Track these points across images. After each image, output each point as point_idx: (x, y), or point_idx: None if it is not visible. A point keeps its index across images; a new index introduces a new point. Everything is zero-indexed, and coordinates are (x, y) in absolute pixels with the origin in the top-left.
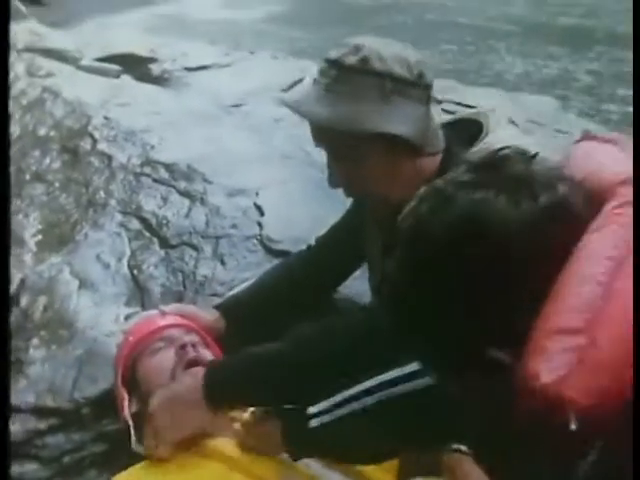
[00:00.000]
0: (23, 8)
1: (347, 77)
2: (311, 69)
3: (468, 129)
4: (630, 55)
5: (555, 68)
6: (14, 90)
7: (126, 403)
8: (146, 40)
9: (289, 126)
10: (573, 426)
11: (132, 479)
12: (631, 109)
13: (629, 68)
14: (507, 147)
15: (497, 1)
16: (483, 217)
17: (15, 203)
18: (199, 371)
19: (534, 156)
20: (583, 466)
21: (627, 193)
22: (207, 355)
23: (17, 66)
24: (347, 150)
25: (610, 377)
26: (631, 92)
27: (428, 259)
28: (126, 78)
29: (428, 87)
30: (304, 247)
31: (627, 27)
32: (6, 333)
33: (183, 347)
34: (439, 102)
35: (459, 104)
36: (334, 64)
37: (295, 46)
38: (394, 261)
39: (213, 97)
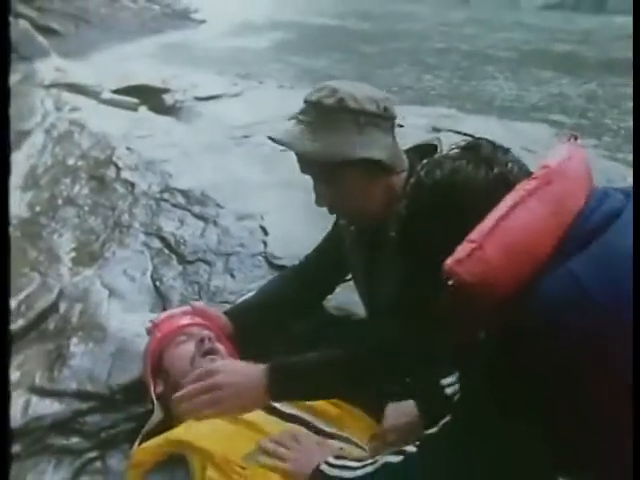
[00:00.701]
0: (46, 44)
1: (326, 115)
2: None
3: (426, 151)
4: (623, 80)
5: (548, 92)
6: (46, 124)
7: (152, 384)
8: (157, 70)
9: (293, 156)
10: (450, 282)
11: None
12: (624, 132)
13: (623, 92)
14: (484, 138)
15: (493, 28)
16: (458, 178)
17: (50, 225)
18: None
19: (506, 149)
20: (476, 341)
21: (539, 174)
22: (220, 348)
23: (46, 102)
24: (330, 175)
25: (489, 270)
26: (624, 118)
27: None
28: (142, 109)
29: (393, 118)
30: (294, 258)
31: (620, 53)
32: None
33: (201, 340)
34: (438, 130)
35: (458, 132)
36: (314, 105)
37: (299, 73)
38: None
39: (224, 127)
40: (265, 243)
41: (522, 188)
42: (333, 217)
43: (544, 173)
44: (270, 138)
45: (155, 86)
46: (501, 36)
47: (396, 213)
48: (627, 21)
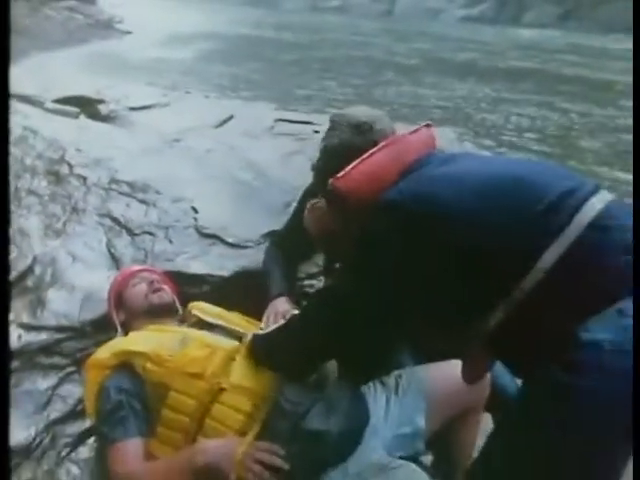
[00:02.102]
0: None
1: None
2: (238, 107)
3: None
4: (511, 85)
5: (444, 96)
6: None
7: (115, 315)
8: (90, 81)
9: (217, 156)
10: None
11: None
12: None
13: (520, 97)
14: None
15: (401, 37)
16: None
17: (17, 212)
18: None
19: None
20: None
21: (389, 139)
22: (165, 287)
23: None
24: None
25: (355, 185)
26: (518, 118)
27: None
28: (82, 117)
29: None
30: (225, 232)
31: (511, 62)
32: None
33: (151, 282)
34: None
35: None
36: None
37: (223, 82)
38: None
39: (157, 133)
40: (195, 219)
41: (378, 146)
42: (249, 201)
43: (390, 139)
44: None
45: (91, 97)
46: (411, 46)
47: None
48: (536, 33)
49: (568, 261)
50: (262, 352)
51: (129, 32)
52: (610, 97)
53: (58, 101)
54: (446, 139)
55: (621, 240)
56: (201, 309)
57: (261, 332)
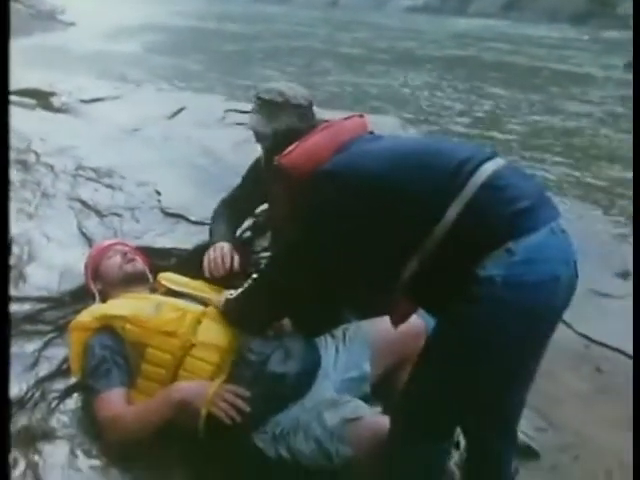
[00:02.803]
0: None
1: (276, 108)
2: (188, 98)
3: None
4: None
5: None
6: None
7: (92, 285)
8: (38, 73)
9: (175, 144)
10: (282, 162)
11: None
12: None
13: (454, 83)
14: None
15: (342, 27)
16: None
17: None
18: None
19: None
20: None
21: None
22: (137, 258)
23: None
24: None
25: (296, 162)
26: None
27: None
28: (38, 109)
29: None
30: (187, 212)
31: (453, 51)
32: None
33: (125, 254)
34: None
35: None
36: (267, 102)
37: (172, 74)
38: None
39: (114, 124)
40: (159, 200)
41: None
42: (207, 184)
43: (327, 124)
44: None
45: (44, 89)
46: (353, 35)
47: None
48: (477, 22)
49: (466, 214)
50: (232, 314)
51: (72, 24)
52: (538, 83)
53: (15, 93)
54: (391, 126)
55: (508, 195)
56: (169, 279)
57: (230, 297)
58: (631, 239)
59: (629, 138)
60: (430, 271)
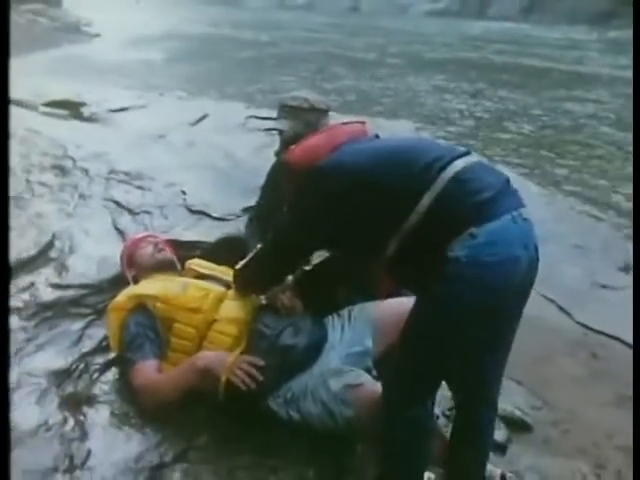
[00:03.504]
0: None
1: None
2: (209, 105)
3: None
4: (450, 76)
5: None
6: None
7: (128, 272)
8: (66, 84)
9: (198, 149)
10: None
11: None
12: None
13: (446, 85)
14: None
15: (357, 32)
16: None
17: (32, 200)
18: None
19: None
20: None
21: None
22: (167, 248)
23: None
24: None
25: (298, 158)
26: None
27: None
28: (69, 119)
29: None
30: (210, 209)
31: (465, 54)
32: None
33: (156, 244)
34: None
35: None
36: (293, 107)
37: (193, 81)
38: None
39: (141, 131)
40: (185, 199)
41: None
42: (227, 182)
43: (327, 127)
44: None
45: (74, 100)
46: (367, 41)
47: None
48: (494, 25)
49: (437, 203)
50: (240, 280)
51: (97, 35)
52: (546, 84)
53: (48, 105)
54: (405, 130)
55: (474, 187)
56: (198, 264)
57: (238, 267)
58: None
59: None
60: (407, 253)
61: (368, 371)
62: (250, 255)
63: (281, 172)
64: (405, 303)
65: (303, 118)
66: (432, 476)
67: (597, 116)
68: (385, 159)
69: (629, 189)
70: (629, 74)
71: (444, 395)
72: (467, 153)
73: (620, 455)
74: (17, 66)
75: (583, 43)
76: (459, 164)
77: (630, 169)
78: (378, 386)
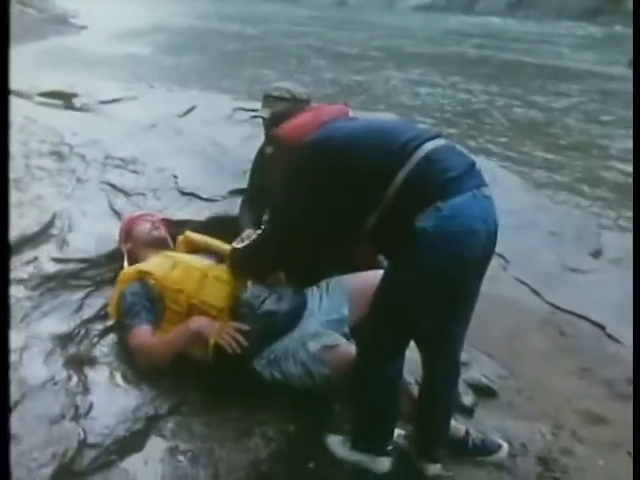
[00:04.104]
0: None
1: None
2: (197, 97)
3: None
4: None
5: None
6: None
7: (123, 245)
8: (56, 75)
9: (188, 138)
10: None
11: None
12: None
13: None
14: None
15: (338, 26)
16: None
17: (32, 182)
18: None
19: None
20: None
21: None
22: (162, 227)
23: None
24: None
25: (288, 135)
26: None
27: None
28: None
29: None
30: (200, 191)
31: (446, 48)
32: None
33: (153, 222)
34: None
35: None
36: (277, 97)
37: (181, 74)
38: None
39: (131, 122)
40: (176, 182)
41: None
42: (215, 168)
43: (314, 106)
44: (254, 116)
45: (65, 91)
46: (349, 34)
47: None
48: (473, 20)
49: (409, 180)
50: (239, 263)
51: (84, 27)
52: (520, 78)
53: (42, 95)
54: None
55: (441, 167)
56: (192, 236)
57: (237, 247)
58: (607, 223)
59: (606, 132)
60: (383, 224)
61: (345, 337)
62: (253, 238)
63: (270, 148)
64: (379, 275)
65: (285, 107)
66: (402, 432)
67: (575, 109)
68: (366, 139)
69: (605, 180)
70: (608, 70)
71: (417, 363)
72: (437, 136)
73: (577, 417)
74: (10, 56)
75: (564, 38)
76: (430, 145)
77: (609, 161)
78: (353, 348)
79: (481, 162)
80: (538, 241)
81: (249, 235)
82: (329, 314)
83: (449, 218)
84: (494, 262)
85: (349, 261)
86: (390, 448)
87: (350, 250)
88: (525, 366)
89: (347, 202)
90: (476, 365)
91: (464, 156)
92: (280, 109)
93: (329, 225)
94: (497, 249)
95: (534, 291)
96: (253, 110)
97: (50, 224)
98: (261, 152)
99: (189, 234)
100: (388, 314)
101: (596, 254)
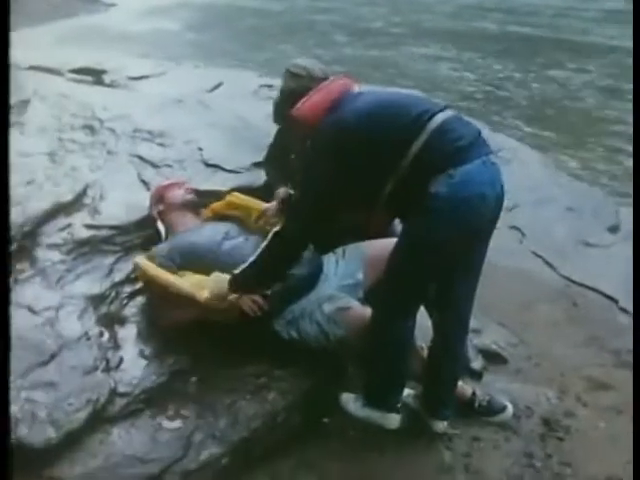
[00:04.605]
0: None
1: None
2: (224, 74)
3: None
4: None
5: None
6: (38, 95)
7: (154, 208)
8: (87, 52)
9: (214, 112)
10: (295, 114)
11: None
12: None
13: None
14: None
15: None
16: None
17: (67, 155)
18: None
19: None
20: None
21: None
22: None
23: (32, 80)
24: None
25: (304, 113)
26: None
27: None
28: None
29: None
30: (224, 162)
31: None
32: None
33: (186, 188)
34: None
35: None
36: (293, 74)
37: (206, 50)
38: None
39: (161, 96)
40: (201, 154)
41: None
42: (239, 140)
43: (321, 85)
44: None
45: (94, 67)
46: (371, 10)
47: None
48: None
49: (423, 150)
50: (244, 284)
51: (113, 4)
52: (538, 53)
53: (73, 71)
54: None
55: (452, 136)
56: (237, 195)
57: (236, 272)
58: (626, 200)
59: (626, 108)
60: (398, 191)
61: (359, 301)
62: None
63: (289, 125)
64: (393, 242)
65: (302, 83)
66: (411, 392)
67: (594, 85)
68: (378, 113)
69: (624, 156)
70: (624, 44)
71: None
72: (446, 107)
73: (582, 383)
74: (41, 34)
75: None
76: (440, 117)
77: (625, 141)
78: (366, 310)
79: (502, 139)
80: (555, 216)
81: (286, 191)
82: (344, 279)
83: (460, 184)
84: (511, 235)
85: (364, 229)
86: (399, 406)
87: (367, 217)
88: (535, 335)
89: (366, 174)
90: (487, 332)
91: (471, 126)
92: (293, 85)
93: (350, 195)
94: (515, 223)
95: (549, 264)
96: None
97: (83, 193)
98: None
99: (234, 196)
100: (402, 273)
101: (613, 229)
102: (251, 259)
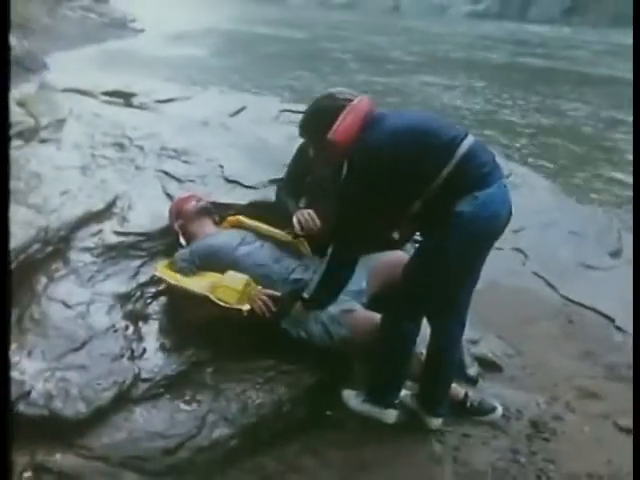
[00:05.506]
0: (43, 58)
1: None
2: (247, 99)
3: None
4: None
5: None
6: (73, 115)
7: (175, 223)
8: (115, 76)
9: (235, 134)
10: (330, 138)
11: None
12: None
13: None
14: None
15: (378, 31)
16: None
17: (98, 170)
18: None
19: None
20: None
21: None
22: (207, 204)
23: (67, 101)
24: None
25: (341, 137)
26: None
27: None
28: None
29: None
30: (242, 179)
31: (477, 54)
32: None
33: (198, 199)
34: None
35: None
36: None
37: (230, 76)
38: None
39: (185, 120)
40: (222, 171)
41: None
42: (258, 160)
43: (350, 107)
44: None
45: (124, 91)
46: (389, 39)
47: None
48: (525, 27)
49: (453, 174)
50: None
51: (142, 30)
52: (549, 84)
53: (105, 93)
54: None
55: (477, 162)
56: (244, 219)
57: (307, 295)
58: (629, 225)
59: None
60: (427, 209)
61: (362, 306)
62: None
63: (324, 148)
64: (397, 255)
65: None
66: (408, 393)
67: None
68: (413, 138)
69: (626, 186)
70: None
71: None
72: (467, 134)
73: (573, 392)
74: (74, 58)
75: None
76: (466, 144)
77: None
78: (367, 313)
79: (513, 166)
80: (559, 239)
81: (308, 213)
82: (349, 285)
83: (482, 205)
84: (514, 257)
85: (388, 241)
86: (397, 402)
87: (391, 231)
88: (531, 347)
89: (397, 194)
90: (485, 343)
91: (488, 151)
92: (327, 103)
93: (382, 212)
94: (519, 245)
95: (550, 284)
96: (299, 112)
97: (112, 203)
98: (303, 149)
99: (240, 218)
100: (420, 283)
101: (615, 254)
102: (316, 281)
